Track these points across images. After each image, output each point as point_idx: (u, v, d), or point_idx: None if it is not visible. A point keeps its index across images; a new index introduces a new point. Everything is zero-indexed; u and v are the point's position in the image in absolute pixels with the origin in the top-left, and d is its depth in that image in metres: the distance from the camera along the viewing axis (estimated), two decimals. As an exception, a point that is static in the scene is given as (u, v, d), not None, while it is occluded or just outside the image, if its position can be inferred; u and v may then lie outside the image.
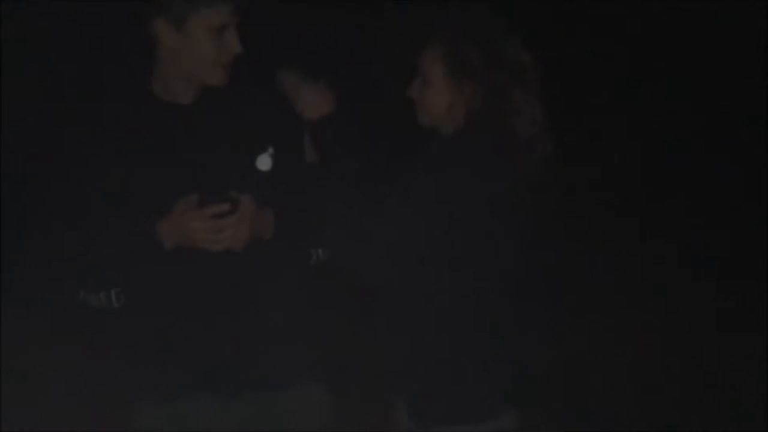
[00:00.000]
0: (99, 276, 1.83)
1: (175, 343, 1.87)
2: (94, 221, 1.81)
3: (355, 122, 1.97)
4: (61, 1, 3.95)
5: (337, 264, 1.91)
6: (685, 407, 3.27)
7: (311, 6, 4.76)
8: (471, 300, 1.80)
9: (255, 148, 1.86)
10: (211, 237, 1.74)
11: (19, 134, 3.86)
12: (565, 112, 2.31)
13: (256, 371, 1.90)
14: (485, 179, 1.74)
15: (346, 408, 2.13)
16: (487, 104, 1.76)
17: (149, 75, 1.84)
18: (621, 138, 5.06)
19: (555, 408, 3.19)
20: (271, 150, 1.86)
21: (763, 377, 3.33)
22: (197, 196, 1.73)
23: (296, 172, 1.90)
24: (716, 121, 4.99)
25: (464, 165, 1.75)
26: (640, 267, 4.27)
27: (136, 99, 1.86)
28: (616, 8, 5.03)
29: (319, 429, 2.01)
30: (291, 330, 1.94)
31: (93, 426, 2.87)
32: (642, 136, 5.07)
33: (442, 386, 1.84)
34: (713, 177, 4.80)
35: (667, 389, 3.42)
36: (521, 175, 1.77)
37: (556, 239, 3.80)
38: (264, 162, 1.86)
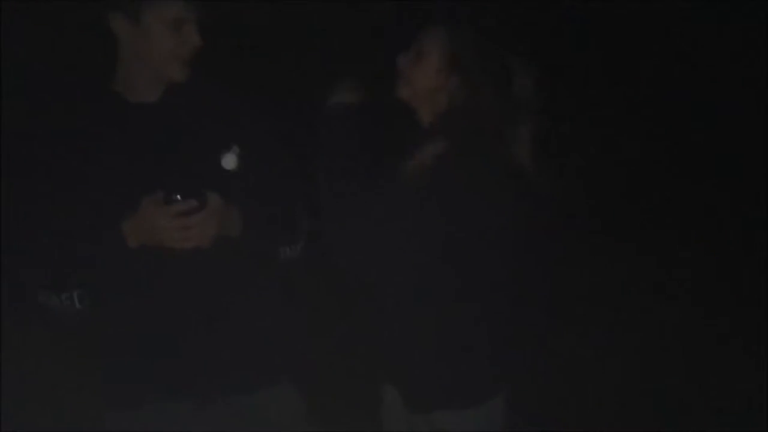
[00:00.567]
0: (61, 277, 1.80)
1: (142, 346, 1.84)
2: (57, 221, 1.78)
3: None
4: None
5: (310, 261, 1.90)
6: (684, 407, 3.27)
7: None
8: (463, 286, 1.81)
9: (221, 147, 1.84)
10: (177, 235, 1.72)
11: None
12: (562, 112, 2.31)
13: (226, 373, 1.87)
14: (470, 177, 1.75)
15: (320, 409, 2.12)
16: (470, 98, 1.78)
17: (113, 73, 1.83)
18: (619, 136, 5.04)
19: (549, 402, 3.19)
20: (236, 149, 1.84)
21: (763, 377, 3.34)
22: (162, 194, 1.71)
23: (264, 170, 1.89)
24: (715, 121, 5.00)
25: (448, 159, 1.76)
26: (638, 264, 4.25)
27: (99, 97, 1.84)
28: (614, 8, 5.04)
29: (294, 428, 1.98)
30: (262, 330, 1.91)
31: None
32: (641, 136, 5.05)
33: (438, 370, 1.85)
34: (713, 176, 4.80)
35: (666, 389, 3.41)
36: (503, 172, 1.78)
37: (554, 234, 3.81)
38: (229, 161, 1.84)
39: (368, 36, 3.81)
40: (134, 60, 1.78)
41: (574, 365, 3.49)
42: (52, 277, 1.81)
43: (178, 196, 1.70)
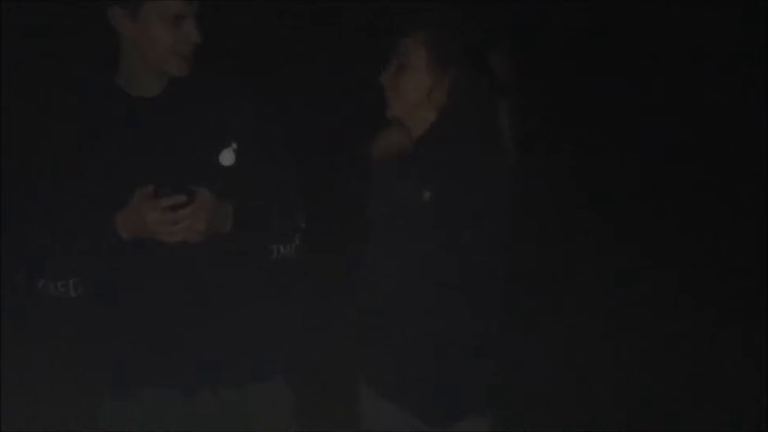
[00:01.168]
0: (57, 265, 1.82)
1: (135, 336, 1.87)
2: (54, 211, 1.80)
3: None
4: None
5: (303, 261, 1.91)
6: (684, 407, 3.27)
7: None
8: (457, 298, 1.80)
9: (218, 143, 1.86)
10: (166, 228, 1.73)
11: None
12: (560, 113, 2.31)
13: (215, 365, 1.89)
14: (468, 182, 1.75)
15: (310, 403, 2.13)
16: (459, 101, 1.76)
17: (114, 67, 1.84)
18: (618, 137, 5.05)
19: (547, 407, 3.20)
20: (234, 145, 1.86)
21: (763, 377, 3.35)
22: (153, 187, 1.72)
23: (261, 168, 1.90)
24: (714, 121, 5.01)
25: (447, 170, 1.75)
26: (637, 265, 4.25)
27: (101, 91, 1.85)
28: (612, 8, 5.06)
29: (283, 425, 2.01)
30: (253, 326, 1.93)
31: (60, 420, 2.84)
32: (640, 134, 5.06)
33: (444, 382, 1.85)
34: (712, 176, 4.80)
35: (665, 389, 3.42)
36: (499, 175, 1.77)
37: (552, 236, 3.81)
38: (227, 157, 1.85)
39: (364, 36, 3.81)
40: (135, 55, 1.79)
41: (574, 365, 3.50)
42: (50, 266, 1.83)
43: (168, 190, 1.72)
